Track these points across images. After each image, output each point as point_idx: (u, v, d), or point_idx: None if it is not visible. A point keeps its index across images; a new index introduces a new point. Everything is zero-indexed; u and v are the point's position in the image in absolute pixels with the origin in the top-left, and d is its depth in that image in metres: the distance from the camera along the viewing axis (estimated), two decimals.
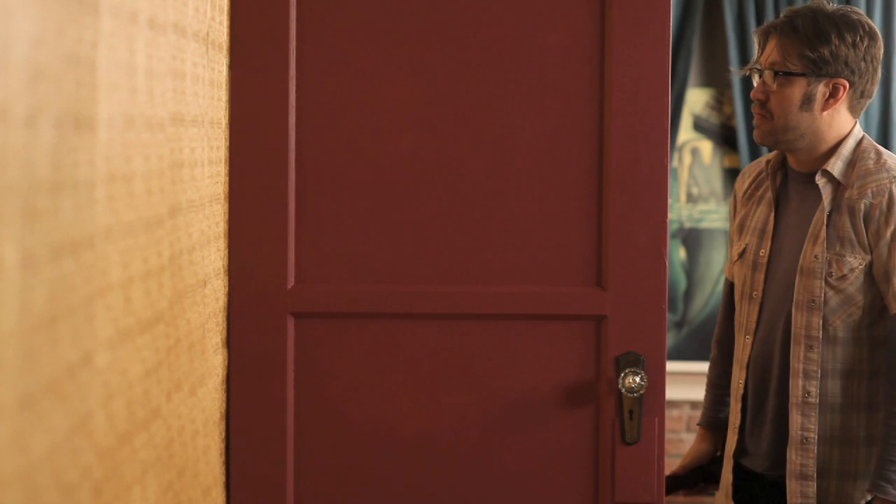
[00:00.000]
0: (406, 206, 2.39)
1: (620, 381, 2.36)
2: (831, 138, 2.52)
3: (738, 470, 2.65)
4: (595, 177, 2.36)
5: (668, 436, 4.92)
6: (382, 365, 2.40)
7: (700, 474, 2.82)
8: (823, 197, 2.49)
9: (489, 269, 2.39)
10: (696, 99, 4.89)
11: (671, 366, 4.88)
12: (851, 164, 2.50)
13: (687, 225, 4.90)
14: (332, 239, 2.41)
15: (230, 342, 2.37)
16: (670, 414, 4.92)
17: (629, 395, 2.35)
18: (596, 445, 2.40)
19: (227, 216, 2.37)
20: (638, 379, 2.35)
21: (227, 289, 2.38)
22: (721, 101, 4.88)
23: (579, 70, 2.35)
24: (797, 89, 2.50)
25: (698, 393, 4.94)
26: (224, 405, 2.37)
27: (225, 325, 2.37)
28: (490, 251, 2.39)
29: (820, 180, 2.50)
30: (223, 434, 2.36)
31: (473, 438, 2.40)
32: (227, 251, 2.38)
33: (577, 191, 2.37)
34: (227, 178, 2.37)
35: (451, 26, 2.38)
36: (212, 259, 2.21)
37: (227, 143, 2.38)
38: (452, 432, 2.40)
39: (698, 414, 4.94)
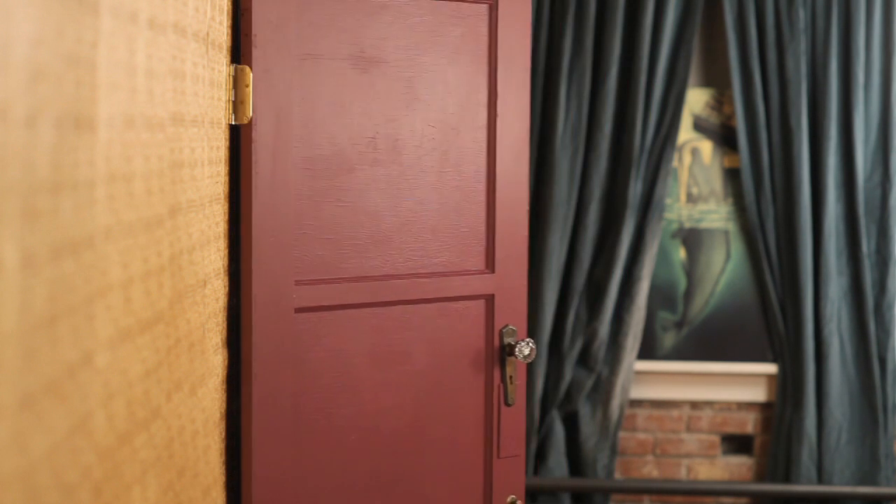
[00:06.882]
0: (362, 198, 2.65)
1: (508, 349, 2.80)
2: None
3: None
4: (489, 166, 2.82)
5: (667, 436, 4.92)
6: (345, 347, 2.63)
7: None
8: None
9: (416, 260, 2.71)
10: (696, 99, 4.88)
11: (671, 366, 4.88)
12: None
13: (687, 225, 4.90)
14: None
15: (229, 340, 2.38)
16: (670, 414, 4.92)
17: (524, 361, 2.80)
18: (488, 408, 2.83)
19: (226, 216, 2.38)
20: (526, 349, 2.78)
21: (227, 289, 2.38)
22: (721, 101, 4.88)
23: (478, 56, 2.79)
24: None
25: (698, 393, 4.95)
26: (224, 405, 2.37)
27: (225, 325, 2.37)
28: (418, 244, 2.71)
29: None
30: (223, 434, 2.37)
31: (409, 407, 2.72)
32: (227, 251, 2.38)
33: (478, 184, 2.80)
34: (226, 178, 2.38)
35: (386, 32, 2.66)
36: (212, 259, 2.21)
37: (227, 143, 2.39)
38: (395, 403, 2.70)
39: (698, 414, 4.95)
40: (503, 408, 2.81)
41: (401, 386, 2.69)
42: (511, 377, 2.80)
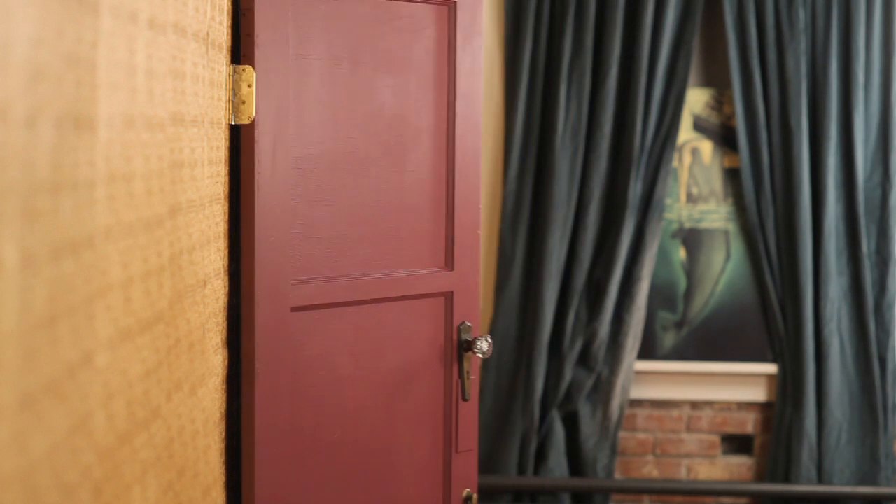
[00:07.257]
0: (342, 197, 2.68)
1: (466, 346, 2.88)
2: None
3: None
4: (448, 166, 2.87)
5: (667, 436, 4.92)
6: (331, 345, 2.66)
7: None
8: None
9: (390, 258, 2.77)
10: (696, 99, 4.88)
11: (671, 366, 4.88)
12: None
13: (687, 225, 4.90)
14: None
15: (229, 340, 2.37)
16: (670, 414, 4.92)
17: (483, 357, 2.87)
18: (447, 403, 2.89)
19: (226, 216, 2.38)
20: (485, 345, 2.86)
21: (227, 289, 2.38)
22: (721, 101, 4.88)
23: (438, 66, 2.84)
24: None
25: (698, 393, 4.94)
26: (224, 405, 2.37)
27: (225, 325, 2.37)
28: (389, 243, 2.76)
29: None
30: (223, 434, 2.37)
31: (383, 404, 2.77)
32: (227, 251, 2.38)
33: (440, 182, 2.86)
34: (226, 178, 2.38)
35: (360, 42, 2.68)
36: (212, 259, 2.21)
37: (227, 143, 2.39)
38: (371, 400, 2.74)
39: (698, 414, 4.95)
40: (460, 403, 2.89)
41: (376, 383, 2.74)
42: (467, 373, 2.89)
